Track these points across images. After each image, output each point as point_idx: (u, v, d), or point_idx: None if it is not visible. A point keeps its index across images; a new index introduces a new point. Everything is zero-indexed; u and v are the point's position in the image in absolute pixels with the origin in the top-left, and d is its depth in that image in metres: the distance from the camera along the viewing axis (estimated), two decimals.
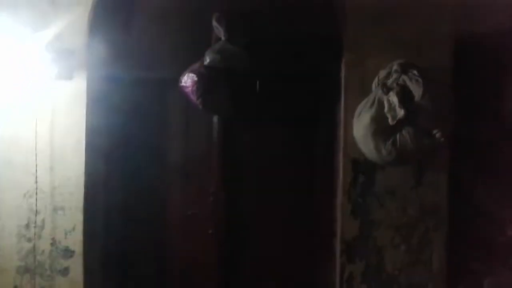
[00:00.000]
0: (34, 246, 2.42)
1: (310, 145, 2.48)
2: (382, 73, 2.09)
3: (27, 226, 2.42)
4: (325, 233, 2.41)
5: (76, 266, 2.41)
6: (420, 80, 1.97)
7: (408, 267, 2.22)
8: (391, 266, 2.23)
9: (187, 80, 2.19)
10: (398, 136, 2.00)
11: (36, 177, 2.39)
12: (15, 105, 2.41)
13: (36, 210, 2.41)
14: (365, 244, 2.24)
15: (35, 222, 2.42)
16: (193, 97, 2.20)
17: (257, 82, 2.38)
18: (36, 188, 2.40)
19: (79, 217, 2.40)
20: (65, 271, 2.42)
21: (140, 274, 2.60)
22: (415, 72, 2.00)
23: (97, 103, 2.44)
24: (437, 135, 1.96)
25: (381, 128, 2.02)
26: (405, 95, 1.97)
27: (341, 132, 2.26)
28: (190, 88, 2.17)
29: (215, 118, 2.46)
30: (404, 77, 2.02)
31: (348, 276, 2.25)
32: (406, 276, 2.22)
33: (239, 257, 2.53)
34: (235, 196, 2.51)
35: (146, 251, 2.59)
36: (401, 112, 1.95)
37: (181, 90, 2.23)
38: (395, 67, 2.05)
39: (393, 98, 1.98)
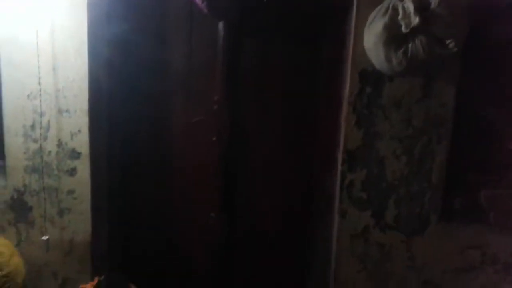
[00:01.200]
0: (40, 147, 2.46)
1: (317, 55, 2.41)
2: None
3: (33, 127, 2.44)
4: (328, 143, 2.42)
5: (83, 166, 2.46)
6: None
7: (408, 177, 2.26)
8: (391, 176, 2.27)
9: None
10: (410, 45, 1.94)
11: (39, 78, 2.37)
12: (15, 6, 2.31)
13: (41, 112, 2.42)
14: (367, 154, 2.26)
15: (41, 123, 2.43)
16: (198, 1, 2.10)
17: None
18: (40, 90, 2.39)
19: (84, 120, 2.41)
20: (72, 171, 2.48)
21: (145, 177, 2.67)
22: None
23: (98, 7, 2.35)
24: (450, 44, 1.90)
25: (393, 37, 1.95)
26: (421, 2, 1.88)
27: (351, 41, 2.18)
28: None
29: (220, 25, 2.37)
30: None
31: (349, 183, 2.30)
32: (406, 186, 2.27)
33: (241, 164, 2.57)
34: (239, 104, 2.49)
35: (150, 156, 2.63)
36: (416, 20, 1.87)
37: None
38: None
39: (409, 5, 1.88)
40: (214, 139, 2.51)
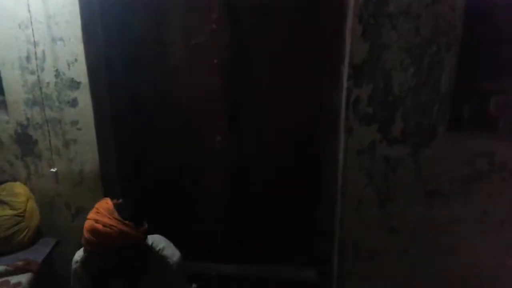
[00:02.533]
0: (38, 79, 2.40)
1: None
2: None
3: (28, 58, 2.38)
4: (334, 58, 2.34)
5: (84, 96, 2.43)
6: None
7: (415, 88, 2.21)
8: (399, 88, 2.22)
9: None
10: None
11: (28, 5, 2.26)
12: None
13: (35, 42, 2.34)
14: (373, 68, 2.19)
15: (35, 53, 2.36)
16: None
17: None
18: (31, 18, 2.29)
19: (79, 48, 2.34)
20: (73, 102, 2.45)
21: (148, 103, 2.63)
22: None
23: None
24: None
25: None
26: None
27: None
28: None
29: None
30: None
31: (355, 99, 2.25)
32: (413, 98, 2.22)
33: (244, 86, 2.52)
34: (240, 22, 2.39)
35: (151, 81, 2.58)
36: None
37: None
38: None
39: None
40: (215, 61, 2.43)
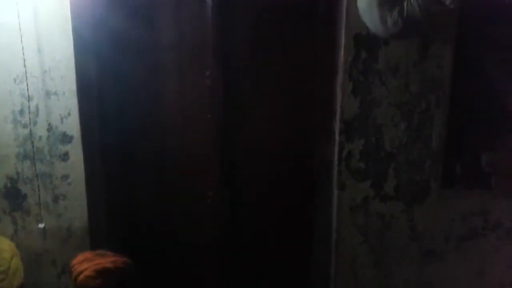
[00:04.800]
0: (30, 132, 2.40)
1: (311, 21, 2.34)
2: None
3: (21, 112, 2.38)
4: (325, 112, 2.37)
5: (75, 150, 2.42)
6: None
7: (407, 144, 2.22)
8: (390, 144, 2.23)
9: None
10: (405, 4, 1.87)
11: (24, 60, 2.30)
12: None
13: (29, 96, 2.36)
14: (364, 123, 2.22)
15: (29, 107, 2.37)
16: None
17: None
18: (26, 72, 2.32)
19: (73, 102, 2.35)
20: (65, 156, 2.43)
21: (140, 158, 2.62)
22: None
23: None
24: (447, 1, 1.84)
25: None
26: None
27: (343, 4, 2.12)
28: None
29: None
30: None
31: (347, 154, 2.26)
32: (405, 154, 2.23)
33: (237, 140, 2.53)
34: (233, 78, 2.43)
35: (144, 136, 2.58)
36: None
37: None
38: None
39: None
40: (209, 116, 2.45)
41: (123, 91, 2.51)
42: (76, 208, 2.49)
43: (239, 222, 2.63)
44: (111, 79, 2.49)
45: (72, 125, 2.39)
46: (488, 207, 2.27)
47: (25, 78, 2.33)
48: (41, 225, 2.50)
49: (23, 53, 2.29)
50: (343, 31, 2.13)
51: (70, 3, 2.24)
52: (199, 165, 2.57)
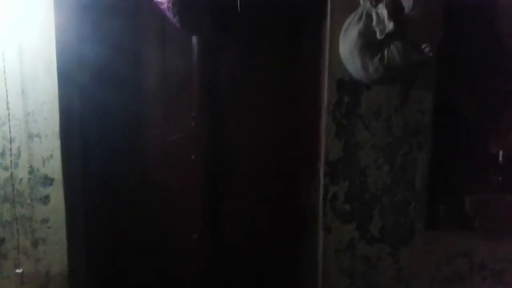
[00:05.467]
0: (11, 175, 2.36)
1: (293, 64, 2.39)
2: None
3: (3, 154, 2.35)
4: (310, 154, 2.39)
5: (57, 193, 2.37)
6: None
7: (391, 187, 2.23)
8: (374, 186, 2.25)
9: None
10: (386, 51, 1.93)
11: (8, 102, 2.29)
12: None
13: (11, 138, 2.33)
14: (348, 165, 2.24)
15: (11, 150, 2.34)
16: (170, 15, 2.06)
17: None
18: (9, 115, 2.30)
19: (55, 144, 2.33)
20: (45, 199, 2.38)
21: (123, 200, 2.59)
22: None
23: (67, 26, 2.30)
24: (426, 49, 1.90)
25: (368, 44, 1.94)
26: (394, 8, 1.88)
27: (326, 50, 2.17)
28: (165, 5, 2.03)
29: (194, 38, 2.34)
30: None
31: (332, 196, 2.26)
32: (389, 196, 2.24)
33: (222, 181, 2.52)
34: (217, 120, 2.45)
35: (127, 178, 2.56)
36: (390, 25, 1.86)
37: (155, 7, 2.08)
38: None
39: (382, 11, 1.88)
40: (193, 157, 2.45)
41: (107, 130, 2.50)
42: (55, 252, 2.42)
43: (223, 263, 2.59)
44: (95, 119, 2.49)
45: (54, 168, 2.36)
46: (473, 248, 2.28)
47: (7, 120, 2.31)
48: (18, 271, 2.43)
49: (7, 95, 2.27)
50: (326, 76, 2.18)
51: (56, 44, 2.25)
52: (183, 206, 2.54)
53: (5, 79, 2.26)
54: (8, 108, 2.29)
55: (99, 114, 2.48)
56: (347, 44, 2.00)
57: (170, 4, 2.01)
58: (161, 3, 2.03)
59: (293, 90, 2.42)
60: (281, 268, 2.59)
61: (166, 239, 2.59)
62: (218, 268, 2.59)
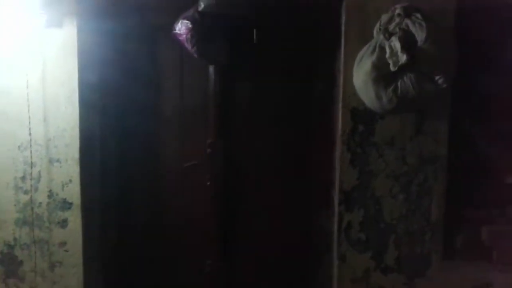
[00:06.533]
0: (31, 198, 2.42)
1: (308, 94, 2.42)
2: (385, 18, 2.01)
3: (23, 178, 2.41)
4: (324, 183, 2.39)
5: (75, 217, 2.41)
6: (423, 23, 1.90)
7: (406, 216, 2.22)
8: (389, 215, 2.23)
9: (181, 27, 2.11)
10: (399, 82, 1.95)
11: (30, 129, 2.36)
12: (5, 55, 2.33)
13: (32, 163, 2.39)
14: (363, 194, 2.23)
15: (31, 174, 2.40)
16: (188, 45, 2.12)
17: (254, 31, 2.31)
18: (31, 140, 2.37)
19: (75, 169, 2.38)
20: (63, 223, 2.42)
21: (138, 226, 2.61)
22: (419, 15, 1.93)
23: (88, 54, 2.37)
24: (439, 81, 1.91)
25: (382, 75, 1.96)
26: (407, 40, 1.90)
27: (341, 80, 2.20)
28: (184, 36, 2.09)
29: (211, 68, 2.39)
30: (407, 21, 1.94)
31: (347, 225, 2.25)
32: (404, 225, 2.22)
33: (237, 209, 2.53)
34: (233, 147, 2.48)
35: (143, 203, 2.59)
36: (403, 58, 1.89)
37: (175, 38, 2.15)
38: (398, 10, 1.97)
39: (396, 43, 1.90)
40: (208, 183, 2.47)
41: (125, 156, 2.55)
42: (72, 276, 2.45)
43: None
44: (114, 145, 2.54)
45: (73, 192, 2.40)
46: (490, 280, 2.23)
47: (29, 145, 2.37)
48: None
49: (30, 122, 2.35)
50: (340, 105, 2.20)
51: (78, 72, 2.32)
52: (198, 233, 2.55)
53: (28, 105, 2.34)
54: (30, 134, 2.36)
55: (118, 140, 2.53)
56: (361, 75, 2.03)
57: (189, 36, 2.07)
58: (180, 34, 2.10)
59: (307, 119, 2.44)
60: None
61: (180, 265, 2.59)
62: None
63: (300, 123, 2.46)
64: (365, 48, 2.04)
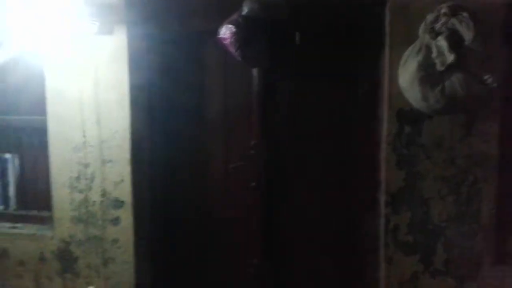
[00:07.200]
0: (85, 197, 2.53)
1: (352, 95, 2.40)
2: (430, 17, 1.95)
3: (78, 178, 2.53)
4: (369, 184, 2.36)
5: (126, 215, 2.51)
6: (471, 23, 1.84)
7: (455, 218, 2.16)
8: (438, 217, 2.18)
9: (225, 31, 2.13)
10: (446, 83, 1.89)
11: (84, 131, 2.47)
12: (60, 62, 2.46)
13: (86, 163, 2.50)
14: (410, 196, 2.19)
15: (86, 174, 2.51)
16: (232, 49, 2.15)
17: (297, 33, 2.31)
18: (85, 142, 2.48)
19: (126, 169, 2.47)
20: (116, 221, 2.52)
21: (185, 224, 2.67)
22: (465, 14, 1.86)
23: (138, 60, 2.45)
24: (489, 80, 1.84)
25: (428, 75, 1.91)
26: (454, 39, 1.85)
27: (386, 81, 2.17)
28: (228, 40, 2.13)
29: (255, 71, 2.42)
30: (453, 20, 1.88)
31: (394, 227, 2.22)
32: (453, 228, 2.16)
33: (281, 210, 2.54)
34: (276, 148, 2.49)
35: (190, 202, 2.65)
36: (450, 57, 1.83)
37: (219, 42, 2.19)
38: (443, 9, 1.91)
39: (442, 43, 1.85)
40: (253, 184, 2.50)
41: (172, 157, 2.62)
42: (124, 272, 2.54)
43: None
44: (162, 146, 2.61)
45: (125, 191, 2.50)
46: None
47: (83, 147, 2.49)
48: None
49: (84, 125, 2.46)
50: (385, 106, 2.17)
51: (129, 78, 2.42)
52: (243, 232, 2.58)
53: (83, 109, 2.45)
54: (84, 136, 2.48)
55: (165, 141, 2.60)
56: (406, 76, 1.99)
57: (233, 40, 2.10)
58: (225, 38, 2.13)
59: (350, 120, 2.42)
60: None
61: (226, 264, 2.64)
62: None
63: (344, 123, 2.44)
64: (410, 48, 2.00)
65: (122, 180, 2.49)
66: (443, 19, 1.91)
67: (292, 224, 2.54)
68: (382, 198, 2.25)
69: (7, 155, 2.75)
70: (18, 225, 2.72)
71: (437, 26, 1.92)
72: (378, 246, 2.34)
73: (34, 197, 2.74)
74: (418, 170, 2.17)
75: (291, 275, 2.58)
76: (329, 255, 2.53)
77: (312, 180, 2.50)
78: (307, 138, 2.48)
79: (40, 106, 2.54)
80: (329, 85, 2.43)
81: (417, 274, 2.24)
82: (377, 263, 2.36)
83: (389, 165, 2.19)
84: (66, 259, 2.60)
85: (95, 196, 2.53)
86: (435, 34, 1.91)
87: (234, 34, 2.10)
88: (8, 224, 2.73)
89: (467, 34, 1.84)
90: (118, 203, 2.51)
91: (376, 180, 2.32)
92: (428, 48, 1.91)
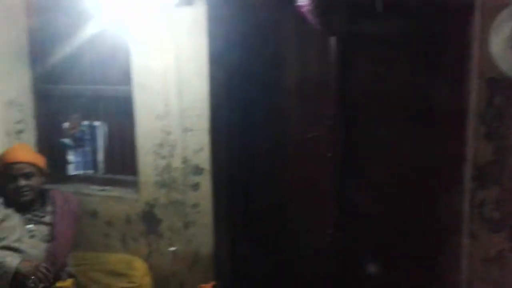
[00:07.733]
0: (168, 164, 2.65)
1: (437, 64, 2.26)
2: None
3: (161, 145, 2.64)
4: (454, 158, 2.24)
5: (205, 182, 2.60)
6: None
7: None
8: None
9: None
10: None
11: (166, 100, 2.57)
12: (143, 36, 2.55)
13: (168, 131, 2.61)
14: (499, 170, 2.05)
15: (168, 142, 2.62)
16: (310, 16, 2.10)
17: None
18: (167, 111, 2.58)
19: (206, 138, 2.55)
20: (195, 186, 2.63)
21: (261, 192, 2.72)
22: None
23: (216, 30, 2.47)
24: None
25: None
26: None
27: (475, 48, 2.01)
28: (307, 7, 2.08)
29: (332, 39, 2.34)
30: None
31: (480, 202, 2.10)
32: None
33: (357, 181, 2.50)
34: (354, 119, 2.44)
35: (266, 171, 2.68)
36: None
37: (297, 10, 2.14)
38: None
39: None
40: (329, 155, 2.47)
41: (249, 127, 2.65)
42: (203, 235, 2.66)
43: (356, 263, 2.57)
44: (239, 116, 2.65)
45: (204, 159, 2.58)
46: None
47: (166, 116, 2.59)
48: (172, 248, 2.70)
49: (166, 95, 2.55)
50: (475, 76, 2.02)
51: (208, 49, 2.46)
52: (318, 202, 2.58)
53: (165, 80, 2.54)
54: (166, 105, 2.57)
55: (243, 111, 2.64)
56: (499, 42, 1.84)
57: (312, 7, 2.05)
58: (303, 5, 2.08)
59: (434, 90, 2.28)
60: (421, 276, 2.47)
61: (302, 233, 2.66)
62: (352, 267, 2.58)
63: (427, 94, 2.31)
64: (504, 12, 1.84)
65: (201, 148, 2.58)
66: None
67: (367, 196, 2.49)
68: (468, 172, 2.13)
69: (96, 123, 2.93)
70: (107, 188, 2.90)
71: None
72: (461, 222, 2.23)
73: (121, 162, 2.91)
74: (509, 144, 2.01)
75: (366, 247, 2.55)
76: (406, 232, 2.46)
77: (391, 152, 2.42)
78: (386, 109, 2.40)
79: (126, 77, 2.67)
80: (412, 54, 2.31)
81: (503, 252, 2.12)
82: (459, 240, 2.26)
83: (477, 138, 2.06)
84: (150, 221, 2.75)
85: (176, 163, 2.64)
86: None
87: (313, 1, 2.05)
88: (97, 187, 2.92)
89: None
90: (198, 170, 2.61)
91: (462, 153, 2.19)
92: None
